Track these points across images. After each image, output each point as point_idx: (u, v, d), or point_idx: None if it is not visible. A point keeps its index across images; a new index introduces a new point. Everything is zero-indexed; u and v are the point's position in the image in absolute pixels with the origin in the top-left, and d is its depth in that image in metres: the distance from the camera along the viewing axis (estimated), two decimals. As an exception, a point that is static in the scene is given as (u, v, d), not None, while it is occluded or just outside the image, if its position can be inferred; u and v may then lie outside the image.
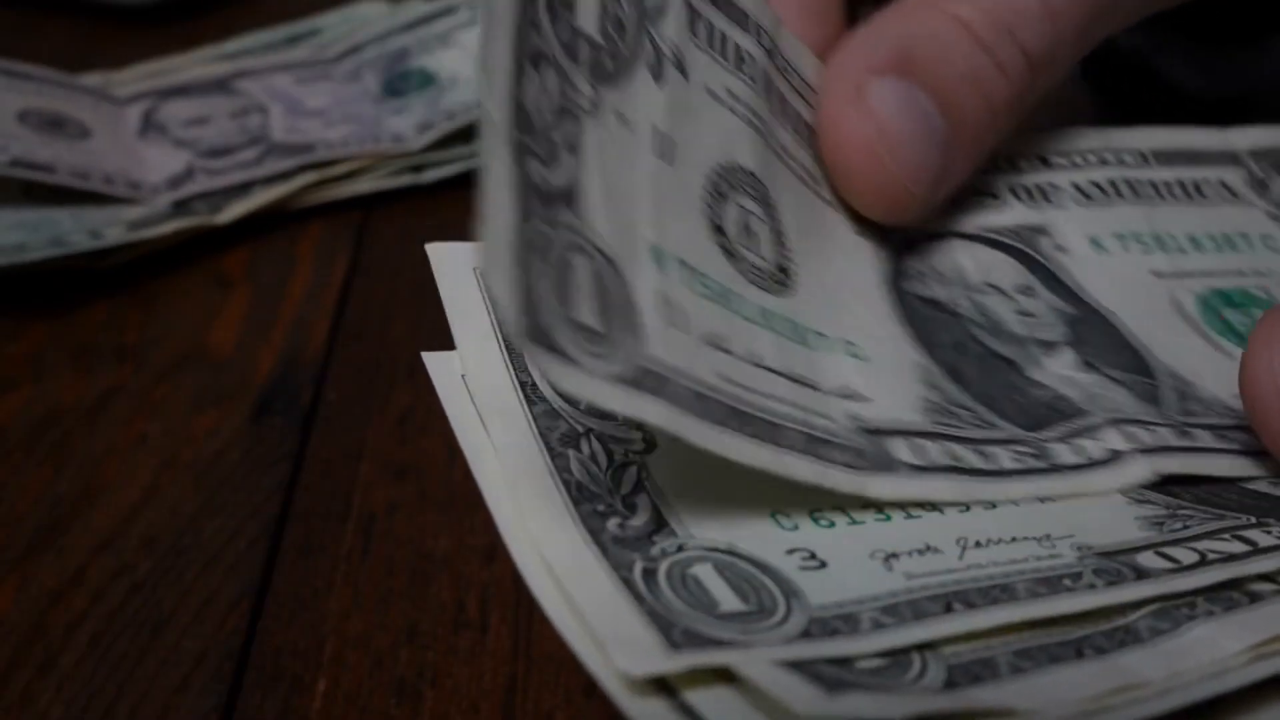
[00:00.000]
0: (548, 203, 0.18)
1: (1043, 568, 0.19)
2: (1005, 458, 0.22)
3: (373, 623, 0.26)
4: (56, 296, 0.38)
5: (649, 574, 0.18)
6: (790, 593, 0.18)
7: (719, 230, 0.22)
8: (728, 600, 0.18)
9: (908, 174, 0.24)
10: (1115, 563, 0.20)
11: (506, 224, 0.18)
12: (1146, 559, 0.20)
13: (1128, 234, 0.28)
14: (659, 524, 0.19)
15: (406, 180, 0.43)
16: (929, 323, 0.25)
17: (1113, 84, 0.35)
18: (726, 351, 0.20)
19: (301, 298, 0.38)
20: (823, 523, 0.20)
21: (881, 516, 0.20)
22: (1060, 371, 0.24)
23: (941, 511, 0.21)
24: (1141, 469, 0.22)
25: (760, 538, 0.19)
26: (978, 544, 0.20)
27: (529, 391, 0.21)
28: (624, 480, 0.20)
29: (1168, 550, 0.20)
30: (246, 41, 0.51)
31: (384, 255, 0.40)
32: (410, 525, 0.29)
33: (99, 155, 0.41)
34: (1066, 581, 0.19)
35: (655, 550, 0.19)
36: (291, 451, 0.31)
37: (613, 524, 0.19)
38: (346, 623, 0.26)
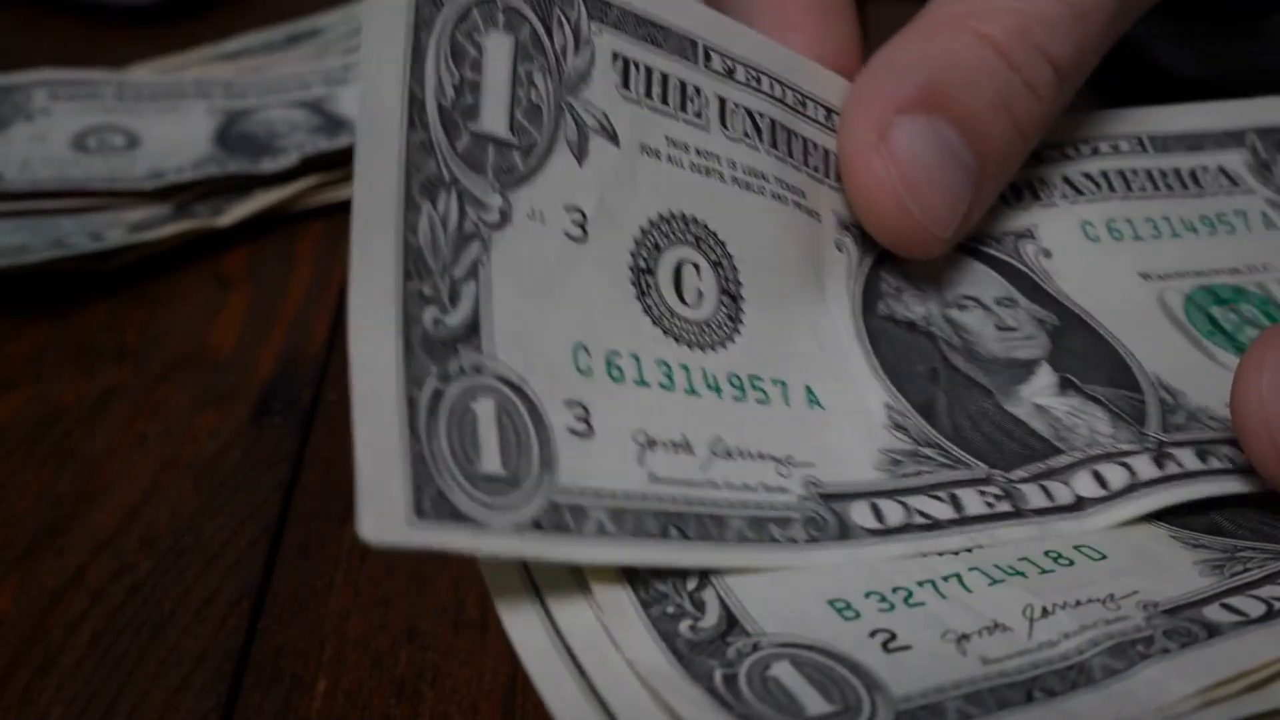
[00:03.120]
0: (443, 353, 0.18)
1: (1113, 633, 0.19)
2: (973, 502, 0.21)
3: (373, 623, 0.26)
4: (56, 296, 0.38)
5: (729, 680, 0.17)
6: (872, 686, 0.18)
7: (648, 295, 0.21)
8: (813, 702, 0.17)
9: (933, 218, 0.23)
10: (1183, 620, 0.19)
11: (390, 398, 0.17)
12: (1214, 613, 0.19)
13: (1118, 229, 0.27)
14: (730, 623, 0.18)
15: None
16: (901, 349, 0.24)
17: (1107, 77, 0.35)
18: (658, 446, 0.19)
19: (301, 298, 0.38)
20: (884, 606, 0.19)
21: (939, 594, 0.20)
22: (1037, 400, 0.24)
23: (1004, 581, 0.20)
24: (1105, 518, 0.22)
25: (830, 626, 0.19)
26: (1045, 612, 0.19)
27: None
28: (689, 574, 0.19)
29: (1233, 601, 0.20)
30: (246, 41, 0.51)
31: (384, 256, 0.40)
32: (410, 525, 0.29)
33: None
34: (1139, 648, 0.19)
35: (731, 653, 0.18)
36: (291, 451, 0.31)
37: (684, 627, 0.18)
38: (346, 623, 0.27)
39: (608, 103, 0.21)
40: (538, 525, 0.17)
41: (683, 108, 0.22)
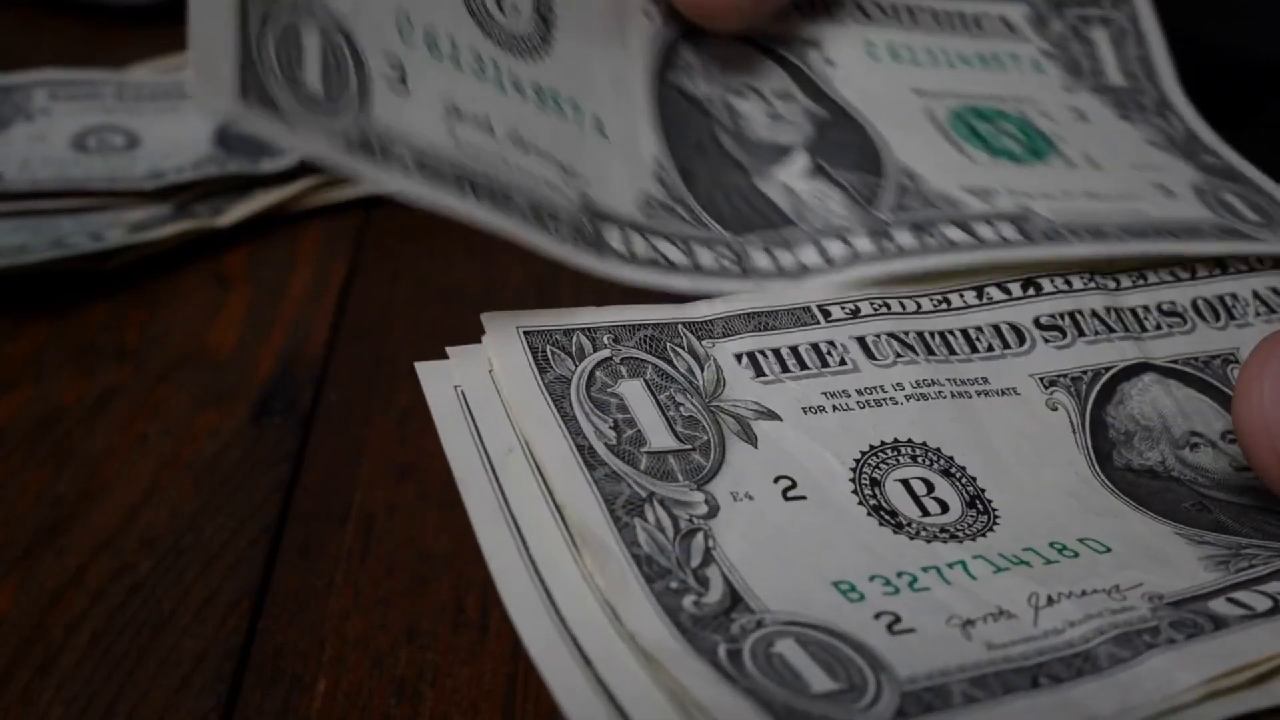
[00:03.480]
0: None
1: (1119, 622, 0.19)
2: (706, 256, 0.24)
3: (373, 623, 0.26)
4: (56, 296, 0.37)
5: (733, 655, 0.18)
6: (877, 666, 0.18)
7: None
8: (818, 680, 0.17)
9: None
10: (1189, 613, 0.19)
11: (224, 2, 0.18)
12: (1220, 606, 0.19)
13: (898, 52, 0.30)
14: (734, 599, 0.19)
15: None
16: (680, 117, 0.26)
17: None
18: (464, 119, 0.21)
19: (301, 298, 0.38)
20: (888, 590, 0.19)
21: (943, 580, 0.20)
22: (785, 180, 0.26)
23: (1008, 570, 0.20)
24: (823, 282, 0.24)
25: (834, 607, 0.19)
26: (1050, 600, 0.19)
27: (587, 456, 0.20)
28: (692, 551, 0.19)
29: (1239, 595, 0.20)
30: (247, 42, 0.51)
31: (384, 255, 0.40)
32: (410, 525, 0.29)
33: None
34: (1145, 637, 0.19)
35: (735, 628, 0.18)
36: (291, 451, 0.31)
37: (688, 602, 0.18)
38: (346, 623, 0.26)
39: None
40: (348, 144, 0.19)
41: None
